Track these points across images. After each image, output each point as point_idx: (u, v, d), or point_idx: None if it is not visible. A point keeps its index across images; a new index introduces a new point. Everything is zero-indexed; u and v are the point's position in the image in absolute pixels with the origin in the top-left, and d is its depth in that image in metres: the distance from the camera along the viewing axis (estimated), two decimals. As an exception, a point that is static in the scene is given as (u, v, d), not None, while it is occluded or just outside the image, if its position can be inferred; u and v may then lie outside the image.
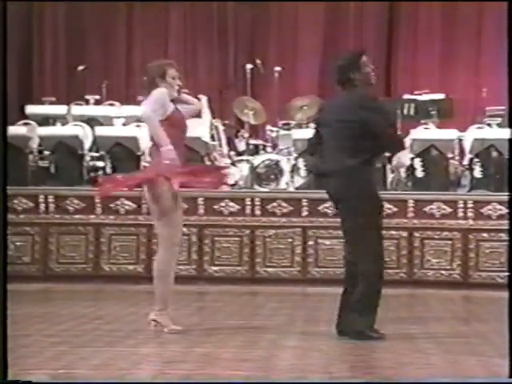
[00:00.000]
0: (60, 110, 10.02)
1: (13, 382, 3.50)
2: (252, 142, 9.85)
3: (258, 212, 8.78)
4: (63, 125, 9.76)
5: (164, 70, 5.64)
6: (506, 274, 8.54)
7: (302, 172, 9.03)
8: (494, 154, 8.90)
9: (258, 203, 8.79)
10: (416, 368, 4.59)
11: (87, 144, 9.33)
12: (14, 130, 8.98)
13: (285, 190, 9.00)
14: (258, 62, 10.64)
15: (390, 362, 4.71)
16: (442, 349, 5.13)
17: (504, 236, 8.55)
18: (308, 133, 9.37)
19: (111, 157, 9.17)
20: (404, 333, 5.72)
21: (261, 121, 10.05)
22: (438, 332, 5.85)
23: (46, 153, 9.27)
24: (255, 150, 9.69)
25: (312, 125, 9.46)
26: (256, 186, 9.07)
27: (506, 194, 8.77)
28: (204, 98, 10.22)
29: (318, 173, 5.70)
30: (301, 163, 9.06)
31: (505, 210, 8.57)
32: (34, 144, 9.32)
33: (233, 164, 9.43)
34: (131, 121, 9.75)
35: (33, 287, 8.23)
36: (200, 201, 8.81)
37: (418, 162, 8.91)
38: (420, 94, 9.76)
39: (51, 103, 10.35)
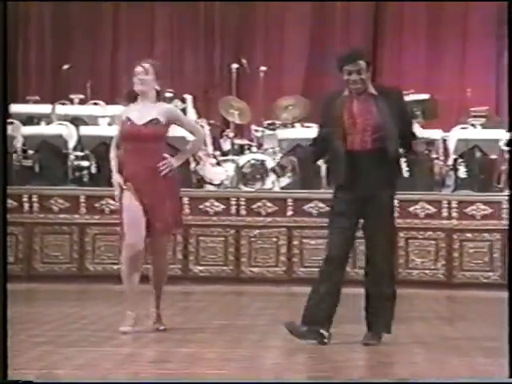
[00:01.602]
0: (44, 109, 9.99)
1: (13, 382, 3.49)
2: (237, 141, 9.86)
3: (243, 212, 8.79)
4: (47, 124, 9.73)
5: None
6: (490, 273, 8.60)
7: (288, 171, 9.06)
8: (478, 154, 8.95)
9: (243, 203, 8.80)
10: (400, 367, 4.62)
11: (72, 143, 9.31)
12: (-2, 129, 8.94)
13: (270, 190, 9.01)
14: (244, 61, 10.64)
15: (374, 362, 4.73)
16: (425, 348, 5.15)
17: (488, 236, 8.61)
18: (292, 132, 9.49)
19: (96, 156, 9.16)
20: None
21: (246, 120, 10.06)
22: (421, 331, 5.88)
23: (30, 152, 9.24)
24: (240, 150, 9.69)
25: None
26: (241, 186, 9.08)
27: (490, 194, 8.84)
28: (189, 98, 10.25)
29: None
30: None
31: (489, 210, 8.63)
32: (18, 143, 9.30)
33: (218, 164, 9.44)
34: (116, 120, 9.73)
35: (16, 287, 8.16)
36: (185, 200, 8.80)
37: (402, 162, 8.93)
38: (405, 95, 9.78)
39: (35, 102, 10.31)
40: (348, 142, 5.06)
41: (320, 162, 8.94)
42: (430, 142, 8.96)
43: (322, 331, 5.07)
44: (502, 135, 9.14)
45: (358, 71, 5.06)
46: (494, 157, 9.03)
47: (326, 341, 5.06)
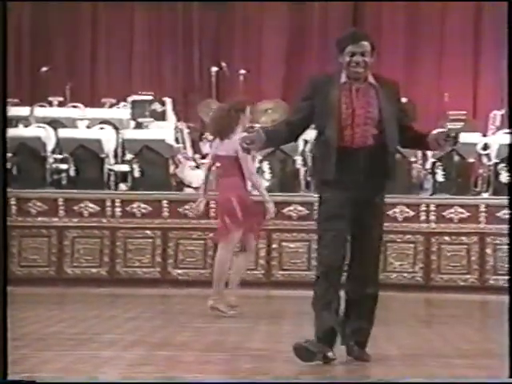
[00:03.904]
0: (23, 111, 9.95)
1: (16, 382, 3.45)
2: (216, 144, 9.84)
3: (222, 215, 8.78)
4: (26, 126, 9.70)
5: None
6: (468, 276, 8.66)
7: (266, 175, 9.08)
8: (456, 158, 9.02)
9: (222, 206, 8.79)
10: (377, 369, 4.64)
11: (50, 146, 9.28)
12: (-24, 131, 8.89)
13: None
14: (223, 64, 10.65)
15: (351, 365, 4.74)
16: (403, 350, 5.18)
17: (465, 239, 8.67)
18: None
19: (74, 159, 9.14)
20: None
21: (225, 124, 10.04)
22: (400, 334, 5.91)
23: (9, 155, 9.19)
24: (220, 153, 9.68)
25: None
26: (220, 189, 9.06)
27: (468, 197, 8.91)
28: (169, 101, 10.25)
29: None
30: (266, 166, 9.10)
31: (466, 214, 8.70)
32: (-4, 146, 9.23)
33: (197, 167, 9.44)
34: (95, 123, 9.71)
35: (-6, 290, 8.15)
36: (164, 203, 8.81)
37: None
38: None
39: (14, 105, 10.26)
40: (346, 136, 4.51)
41: (299, 165, 9.04)
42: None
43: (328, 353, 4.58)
44: (479, 139, 9.23)
45: (362, 53, 4.51)
46: (471, 160, 9.11)
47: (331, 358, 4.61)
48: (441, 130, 4.73)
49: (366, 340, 4.76)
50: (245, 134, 4.68)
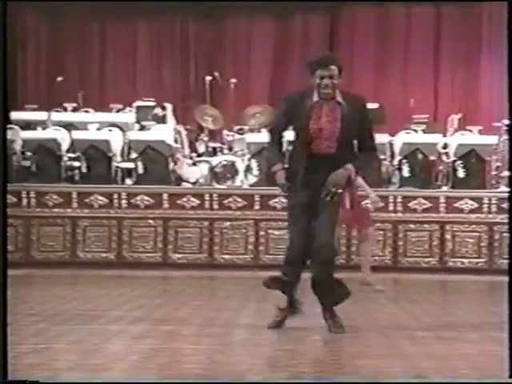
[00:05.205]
0: (41, 116, 9.91)
1: (20, 382, 3.39)
2: (211, 144, 9.85)
3: (215, 206, 8.80)
4: (43, 129, 9.66)
5: None
6: (430, 259, 8.69)
7: (255, 171, 9.08)
8: (420, 155, 9.05)
9: (215, 198, 8.80)
10: (351, 341, 4.64)
11: (65, 146, 9.26)
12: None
13: (239, 187, 9.02)
14: (217, 74, 10.64)
15: (329, 336, 4.74)
16: (374, 323, 5.20)
17: (427, 227, 8.71)
18: (259, 137, 9.50)
19: (86, 157, 9.13)
20: (341, 309, 5.78)
21: (219, 126, 10.06)
22: (371, 310, 5.93)
23: (28, 154, 9.18)
24: (213, 152, 9.70)
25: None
26: (214, 184, 9.08)
27: (430, 190, 8.94)
28: (169, 106, 10.23)
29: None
30: (254, 164, 9.09)
31: (428, 204, 8.74)
32: (18, 146, 9.23)
33: (194, 164, 9.44)
34: (104, 126, 9.69)
35: (16, 273, 8.10)
36: (165, 196, 8.81)
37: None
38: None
39: (33, 110, 10.22)
40: (314, 146, 4.71)
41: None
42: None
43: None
44: (439, 139, 9.27)
45: (330, 76, 4.68)
46: (432, 158, 9.14)
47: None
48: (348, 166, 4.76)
49: (332, 304, 4.83)
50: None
